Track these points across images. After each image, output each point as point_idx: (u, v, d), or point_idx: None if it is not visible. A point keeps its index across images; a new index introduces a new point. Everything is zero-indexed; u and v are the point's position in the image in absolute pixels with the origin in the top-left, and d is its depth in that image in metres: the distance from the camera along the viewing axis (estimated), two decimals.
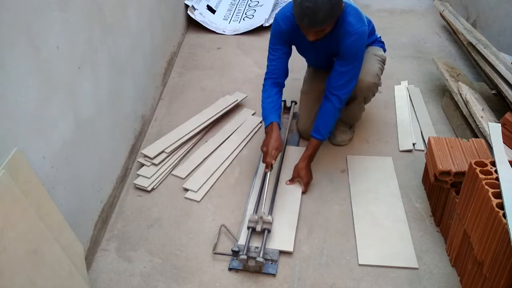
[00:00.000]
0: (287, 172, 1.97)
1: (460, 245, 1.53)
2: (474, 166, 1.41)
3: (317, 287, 1.55)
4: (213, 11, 3.41)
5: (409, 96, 2.49)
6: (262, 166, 1.97)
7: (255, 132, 2.26)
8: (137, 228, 1.77)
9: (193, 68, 2.82)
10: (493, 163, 1.42)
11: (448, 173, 1.59)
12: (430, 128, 2.26)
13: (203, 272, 1.59)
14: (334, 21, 1.67)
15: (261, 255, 1.55)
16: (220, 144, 2.16)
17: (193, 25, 3.28)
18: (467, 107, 2.07)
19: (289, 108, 2.32)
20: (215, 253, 1.65)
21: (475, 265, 1.41)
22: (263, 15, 3.31)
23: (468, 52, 2.51)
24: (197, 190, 1.91)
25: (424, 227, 1.76)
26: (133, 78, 2.08)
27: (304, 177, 1.89)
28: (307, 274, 1.59)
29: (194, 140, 2.17)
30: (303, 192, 1.89)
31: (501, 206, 1.25)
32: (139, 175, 1.95)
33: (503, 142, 1.53)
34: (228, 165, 2.06)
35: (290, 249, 1.65)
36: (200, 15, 3.28)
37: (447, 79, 2.31)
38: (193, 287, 1.55)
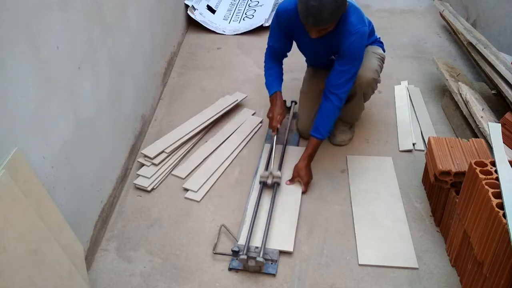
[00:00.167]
0: (287, 172, 1.97)
1: (460, 245, 1.53)
2: (474, 166, 1.41)
3: (317, 287, 1.55)
4: (213, 11, 3.41)
5: (409, 96, 2.49)
6: (262, 166, 1.99)
7: (255, 132, 2.26)
8: (137, 228, 1.77)
9: (193, 68, 2.82)
10: (493, 163, 1.42)
11: (448, 173, 1.59)
12: (430, 128, 2.26)
13: (203, 272, 1.60)
14: (337, 19, 1.68)
15: (261, 255, 1.55)
16: (220, 144, 2.16)
17: (193, 25, 3.28)
18: (467, 107, 2.07)
19: (289, 108, 2.32)
20: (215, 253, 1.65)
21: (475, 265, 1.41)
22: (263, 15, 3.31)
23: (468, 52, 2.51)
24: (197, 190, 1.91)
25: (424, 227, 1.76)
26: (133, 78, 2.08)
27: (304, 176, 1.89)
28: (307, 274, 1.59)
29: (194, 140, 2.17)
30: (303, 192, 1.90)
31: (501, 206, 1.25)
32: (139, 175, 1.96)
33: (503, 142, 1.53)
34: (228, 165, 2.06)
35: (290, 249, 1.65)
36: (200, 15, 3.28)
37: (447, 79, 2.31)
38: (193, 287, 1.55)
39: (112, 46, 1.81)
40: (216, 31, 3.23)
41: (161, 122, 2.34)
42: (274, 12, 3.18)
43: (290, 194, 1.88)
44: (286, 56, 2.07)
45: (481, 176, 1.36)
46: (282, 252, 1.65)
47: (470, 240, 1.43)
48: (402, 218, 1.78)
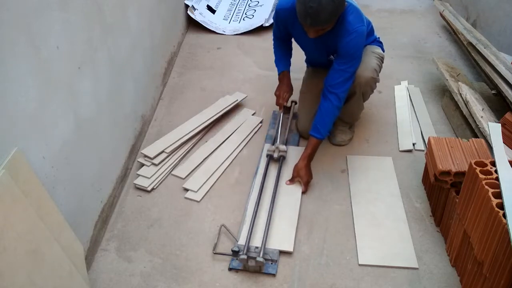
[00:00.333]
0: (287, 172, 1.97)
1: (460, 245, 1.53)
2: (474, 166, 1.41)
3: (317, 287, 1.55)
4: (213, 11, 3.41)
5: (409, 96, 2.49)
6: (262, 166, 2.00)
7: (255, 132, 2.26)
8: (137, 228, 1.77)
9: (193, 68, 2.82)
10: (493, 163, 1.42)
11: (448, 173, 1.59)
12: (430, 128, 2.26)
13: (203, 272, 1.60)
14: (335, 20, 1.69)
15: (261, 255, 1.55)
16: (220, 144, 2.16)
17: (193, 25, 3.28)
18: (467, 107, 2.07)
19: (289, 108, 2.32)
20: (215, 253, 1.65)
21: (475, 265, 1.41)
22: (263, 15, 3.31)
23: (468, 52, 2.51)
24: (197, 190, 1.91)
25: (424, 227, 1.76)
26: (133, 78, 2.08)
27: (304, 176, 1.89)
28: (307, 274, 1.59)
29: (194, 140, 2.17)
30: (303, 192, 1.90)
31: (501, 206, 1.25)
32: (139, 175, 1.96)
33: (503, 142, 1.53)
34: (228, 165, 2.06)
35: (290, 249, 1.65)
36: (200, 15, 3.28)
37: (447, 79, 2.31)
38: (193, 287, 1.55)
39: (112, 46, 1.81)
40: (216, 31, 3.23)
41: (161, 122, 2.34)
42: (274, 11, 3.19)
43: (290, 194, 1.88)
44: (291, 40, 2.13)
45: (481, 176, 1.36)
46: (282, 252, 1.65)
47: (470, 240, 1.43)
48: (402, 218, 1.78)
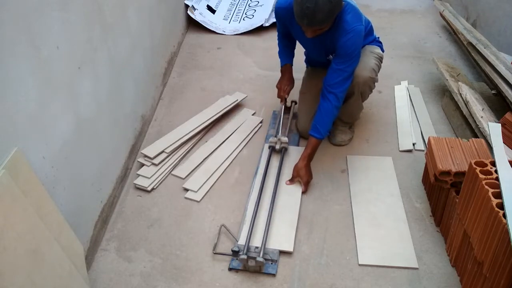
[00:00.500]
0: (287, 172, 1.97)
1: (460, 245, 1.53)
2: (474, 166, 1.41)
3: (317, 287, 1.55)
4: (213, 11, 3.41)
5: (409, 96, 2.49)
6: (262, 166, 1.99)
7: (255, 132, 2.26)
8: (137, 228, 1.77)
9: (193, 68, 2.82)
10: (493, 163, 1.42)
11: (448, 173, 1.59)
12: (430, 128, 2.26)
13: (203, 272, 1.60)
14: (333, 20, 1.70)
15: (261, 255, 1.55)
16: (220, 144, 2.16)
17: (193, 25, 3.28)
18: (467, 107, 2.07)
19: (289, 108, 2.32)
20: (215, 253, 1.65)
21: (475, 265, 1.41)
22: (263, 15, 3.31)
23: (468, 52, 2.51)
24: (197, 190, 1.91)
25: (424, 227, 1.76)
26: (133, 78, 2.08)
27: (303, 176, 1.89)
28: (307, 274, 1.59)
29: (194, 140, 2.17)
30: (303, 192, 1.90)
31: (501, 206, 1.25)
32: (139, 175, 1.96)
33: (503, 142, 1.53)
34: (228, 165, 2.06)
35: (290, 249, 1.65)
36: (200, 15, 3.28)
37: (447, 79, 2.31)
38: (193, 287, 1.55)
39: (112, 46, 1.81)
40: (216, 31, 3.23)
41: (161, 122, 2.34)
42: (274, 11, 3.19)
43: (290, 194, 1.88)
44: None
45: (481, 176, 1.36)
46: (282, 252, 1.65)
47: (470, 240, 1.43)
48: (402, 218, 1.78)
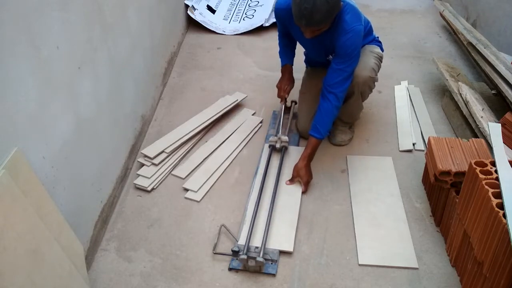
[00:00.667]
0: (287, 172, 1.97)
1: (460, 245, 1.53)
2: (474, 166, 1.41)
3: (317, 287, 1.55)
4: (213, 11, 3.41)
5: (409, 96, 2.49)
6: (262, 166, 1.99)
7: (255, 132, 2.26)
8: (137, 228, 1.77)
9: (193, 68, 2.82)
10: (493, 163, 1.42)
11: (448, 173, 1.59)
12: (430, 128, 2.26)
13: (203, 272, 1.60)
14: (331, 20, 1.69)
15: (261, 255, 1.55)
16: (220, 144, 2.16)
17: (193, 25, 3.28)
18: (467, 107, 2.07)
19: (289, 108, 2.32)
20: (215, 253, 1.65)
21: (475, 265, 1.41)
22: (263, 15, 3.31)
23: (468, 52, 2.51)
24: (197, 190, 1.91)
25: (424, 227, 1.76)
26: (133, 78, 2.08)
27: (303, 176, 1.89)
28: (307, 274, 1.59)
29: (194, 140, 2.17)
30: (303, 192, 1.90)
31: (501, 206, 1.25)
32: (139, 175, 1.96)
33: (503, 142, 1.53)
34: (228, 165, 2.06)
35: (290, 249, 1.65)
36: (200, 15, 3.28)
37: (447, 79, 2.31)
38: (193, 287, 1.55)
39: (112, 46, 1.81)
40: (216, 31, 3.23)
41: (161, 122, 2.34)
42: (273, 12, 3.19)
43: (290, 194, 1.88)
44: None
45: (481, 176, 1.36)
46: (282, 252, 1.65)
47: (470, 240, 1.43)
48: (402, 218, 1.78)
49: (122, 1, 1.93)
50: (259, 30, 3.21)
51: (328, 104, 1.85)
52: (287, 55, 2.17)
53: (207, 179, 1.96)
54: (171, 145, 2.05)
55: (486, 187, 1.32)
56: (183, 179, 1.98)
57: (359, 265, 1.61)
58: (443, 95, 2.43)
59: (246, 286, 1.55)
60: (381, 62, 2.00)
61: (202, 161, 2.07)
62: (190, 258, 1.65)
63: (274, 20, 3.05)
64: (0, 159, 1.09)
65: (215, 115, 2.27)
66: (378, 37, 2.08)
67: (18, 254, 1.07)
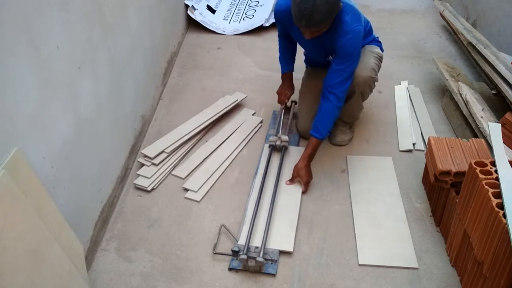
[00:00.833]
0: (287, 172, 1.97)
1: (460, 245, 1.53)
2: (474, 166, 1.41)
3: (317, 287, 1.55)
4: (213, 11, 3.41)
5: (409, 96, 2.49)
6: (262, 166, 1.99)
7: (255, 132, 2.26)
8: (137, 228, 1.77)
9: (193, 68, 2.82)
10: (493, 163, 1.42)
11: (448, 173, 1.59)
12: (430, 128, 2.26)
13: (203, 272, 1.60)
14: (331, 21, 1.69)
15: (261, 255, 1.55)
16: (220, 144, 2.16)
17: (193, 25, 3.28)
18: (467, 107, 2.07)
19: (289, 108, 2.32)
20: (215, 253, 1.65)
21: (475, 265, 1.41)
22: (263, 15, 3.31)
23: (468, 52, 2.51)
24: (197, 190, 1.91)
25: (424, 227, 1.76)
26: (133, 78, 2.08)
27: (304, 176, 1.89)
28: (307, 274, 1.59)
29: (194, 140, 2.17)
30: (303, 192, 1.90)
31: (501, 206, 1.25)
32: (139, 175, 1.96)
33: (503, 142, 1.53)
34: (228, 165, 2.06)
35: (290, 249, 1.65)
36: (200, 15, 3.28)
37: (447, 79, 2.31)
38: (193, 287, 1.55)
39: (112, 46, 1.81)
40: (216, 31, 3.23)
41: (161, 122, 2.34)
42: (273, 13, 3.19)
43: (290, 194, 1.88)
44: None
45: (481, 176, 1.36)
46: (282, 252, 1.65)
47: (470, 240, 1.43)
48: (402, 218, 1.78)
49: (122, 1, 1.93)
50: (259, 30, 3.21)
51: (329, 105, 1.85)
52: (287, 62, 2.20)
53: (207, 179, 1.96)
54: (171, 145, 2.05)
55: (486, 187, 1.32)
56: (183, 179, 1.98)
57: (359, 265, 1.61)
58: (443, 95, 2.43)
59: (246, 286, 1.55)
60: (381, 62, 2.00)
61: (202, 161, 2.07)
62: (190, 258, 1.65)
63: (274, 20, 3.05)
64: (0, 159, 1.09)
65: (215, 115, 2.27)
66: (378, 37, 2.09)
67: (18, 254, 1.07)
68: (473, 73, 2.70)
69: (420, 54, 2.96)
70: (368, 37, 2.00)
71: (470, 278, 1.44)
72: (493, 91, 2.30)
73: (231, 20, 3.36)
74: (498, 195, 1.29)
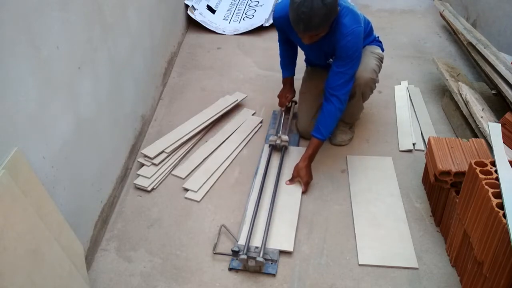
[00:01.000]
0: (287, 172, 1.97)
1: (460, 245, 1.53)
2: (474, 166, 1.41)
3: (317, 287, 1.55)
4: (213, 11, 3.41)
5: (409, 96, 2.49)
6: (262, 166, 2.00)
7: (255, 132, 2.26)
8: (137, 228, 1.77)
9: (193, 68, 2.82)
10: (493, 163, 1.42)
11: (448, 173, 1.59)
12: (430, 128, 2.26)
13: (203, 272, 1.60)
14: (329, 25, 1.69)
15: (261, 255, 1.55)
16: (220, 144, 2.16)
17: (193, 25, 3.28)
18: (467, 107, 2.07)
19: (289, 108, 2.32)
20: (215, 253, 1.65)
21: (475, 265, 1.41)
22: (263, 15, 3.31)
23: (468, 52, 2.51)
24: (197, 190, 1.91)
25: (424, 227, 1.76)
26: (133, 78, 2.08)
27: (304, 177, 1.89)
28: (307, 274, 1.59)
29: (194, 140, 2.17)
30: (303, 192, 1.90)
31: (501, 206, 1.25)
32: (139, 175, 1.96)
33: (503, 142, 1.53)
34: (228, 165, 2.06)
35: (290, 249, 1.65)
36: (200, 15, 3.28)
37: (447, 79, 2.31)
38: (193, 287, 1.55)
39: (112, 46, 1.81)
40: (216, 31, 3.23)
41: (161, 122, 2.34)
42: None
43: (290, 194, 1.88)
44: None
45: (481, 176, 1.36)
46: (282, 252, 1.65)
47: (470, 240, 1.43)
48: (402, 218, 1.78)
49: (122, 1, 1.93)
50: (259, 30, 3.21)
51: (332, 107, 1.85)
52: (287, 67, 2.20)
53: (207, 179, 1.96)
54: (171, 145, 2.05)
55: (486, 187, 1.32)
56: (183, 179, 1.98)
57: (359, 265, 1.61)
58: (443, 95, 2.43)
59: (246, 286, 1.55)
60: (382, 62, 2.00)
61: (202, 161, 2.07)
62: (190, 258, 1.65)
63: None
64: (0, 159, 1.09)
65: (215, 115, 2.27)
66: (378, 37, 2.08)
67: (18, 254, 1.07)
68: (473, 73, 2.70)
69: (420, 54, 2.96)
70: (368, 37, 1.99)
71: (470, 278, 1.44)
72: (493, 91, 2.30)
73: (231, 20, 3.36)
74: (498, 195, 1.29)
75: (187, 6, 3.27)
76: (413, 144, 2.15)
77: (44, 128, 1.29)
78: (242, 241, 1.65)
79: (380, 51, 2.01)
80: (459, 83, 2.24)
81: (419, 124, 2.29)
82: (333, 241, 1.71)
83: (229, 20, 3.36)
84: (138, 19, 2.15)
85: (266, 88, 2.58)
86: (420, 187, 1.94)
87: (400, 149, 2.14)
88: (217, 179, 1.98)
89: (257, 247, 1.62)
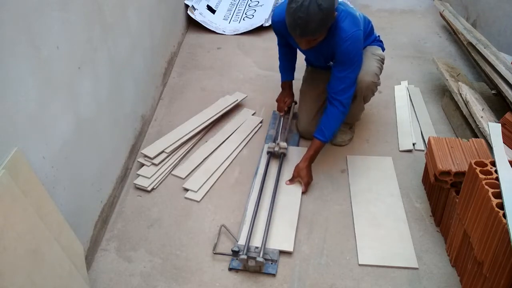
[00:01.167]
0: (287, 173, 1.97)
1: (460, 245, 1.53)
2: (474, 166, 1.41)
3: (317, 287, 1.55)
4: (213, 11, 3.41)
5: (409, 96, 2.49)
6: (262, 166, 2.00)
7: (255, 132, 2.26)
8: (137, 228, 1.77)
9: (193, 68, 2.82)
10: (493, 163, 1.42)
11: (448, 173, 1.59)
12: (430, 128, 2.26)
13: (203, 272, 1.60)
14: (326, 30, 1.68)
15: (261, 255, 1.55)
16: (220, 144, 2.16)
17: (193, 25, 3.28)
18: (467, 107, 2.07)
19: (289, 108, 2.32)
20: (215, 253, 1.65)
21: (475, 265, 1.41)
22: (263, 15, 3.31)
23: (468, 52, 2.51)
24: (197, 190, 1.91)
25: (424, 227, 1.76)
26: (133, 78, 2.08)
27: (304, 177, 1.89)
28: (307, 274, 1.59)
29: (194, 140, 2.17)
30: (303, 192, 1.90)
31: (501, 206, 1.25)
32: (139, 175, 1.96)
33: (503, 142, 1.53)
34: (228, 165, 2.06)
35: (290, 249, 1.65)
36: (200, 15, 3.28)
37: (447, 79, 2.31)
38: (193, 287, 1.55)
39: (112, 46, 1.81)
40: (216, 31, 3.23)
41: (161, 122, 2.34)
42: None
43: (290, 194, 1.88)
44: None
45: (481, 176, 1.36)
46: (282, 252, 1.65)
47: (470, 240, 1.43)
48: (402, 218, 1.78)
49: (122, 1, 1.93)
50: (259, 30, 3.21)
51: (335, 110, 1.85)
52: (287, 71, 2.19)
53: (207, 179, 1.96)
54: (171, 145, 2.05)
55: (486, 187, 1.32)
56: (183, 179, 1.98)
57: (359, 265, 1.61)
58: (443, 95, 2.43)
59: (246, 286, 1.55)
60: (383, 64, 2.00)
61: (202, 161, 2.07)
62: (190, 258, 1.65)
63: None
64: (0, 159, 1.09)
65: (215, 115, 2.27)
66: (379, 36, 2.08)
67: (18, 254, 1.07)
68: (473, 73, 2.70)
69: (420, 54, 2.96)
70: (369, 37, 1.99)
71: (470, 278, 1.44)
72: (493, 91, 2.30)
73: (231, 20, 3.36)
74: (498, 195, 1.29)
75: (187, 6, 3.27)
76: (413, 144, 2.15)
77: (44, 128, 1.29)
78: (242, 241, 1.65)
79: (381, 52, 2.00)
80: (459, 83, 2.24)
81: (419, 124, 2.29)
82: (333, 241, 1.71)
83: (229, 20, 3.36)
84: (138, 19, 2.15)
85: (266, 88, 2.58)
86: (420, 187, 1.94)
87: (400, 149, 2.14)
88: (217, 179, 1.98)
89: (257, 247, 1.62)
